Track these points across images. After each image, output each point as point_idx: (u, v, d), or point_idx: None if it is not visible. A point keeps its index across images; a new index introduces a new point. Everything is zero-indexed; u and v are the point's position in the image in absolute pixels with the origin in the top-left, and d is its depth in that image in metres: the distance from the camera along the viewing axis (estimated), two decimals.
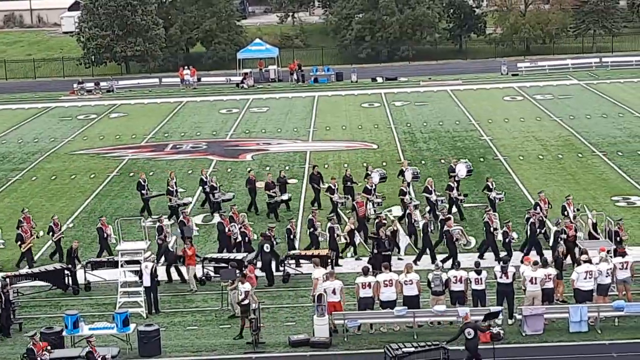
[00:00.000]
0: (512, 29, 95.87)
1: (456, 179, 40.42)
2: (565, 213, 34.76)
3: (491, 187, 39.17)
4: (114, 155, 55.30)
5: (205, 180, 42.64)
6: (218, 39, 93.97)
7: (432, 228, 35.93)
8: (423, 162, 50.30)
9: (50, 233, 36.61)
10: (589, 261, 29.23)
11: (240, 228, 35.21)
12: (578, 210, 35.22)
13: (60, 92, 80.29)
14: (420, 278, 29.04)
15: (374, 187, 39.96)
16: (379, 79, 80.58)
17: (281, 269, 33.53)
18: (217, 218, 38.58)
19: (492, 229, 33.86)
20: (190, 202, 41.93)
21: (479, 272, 28.77)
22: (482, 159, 50.17)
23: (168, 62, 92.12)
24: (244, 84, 79.91)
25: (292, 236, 35.10)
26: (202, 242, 37.59)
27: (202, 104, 72.36)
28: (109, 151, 56.60)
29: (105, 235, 35.92)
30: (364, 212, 37.31)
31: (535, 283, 28.39)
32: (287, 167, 50.16)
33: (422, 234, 35.14)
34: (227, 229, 35.39)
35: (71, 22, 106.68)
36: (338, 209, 39.32)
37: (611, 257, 29.98)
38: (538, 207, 35.39)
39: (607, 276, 28.88)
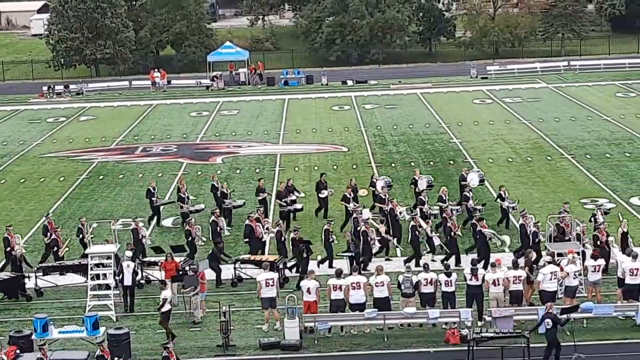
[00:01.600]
0: (481, 32, 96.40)
1: (467, 188, 39.09)
2: (595, 219, 34.24)
3: (504, 196, 38.04)
4: (83, 158, 55.06)
5: (217, 186, 41.64)
6: (188, 41, 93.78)
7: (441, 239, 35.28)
8: (393, 164, 50.44)
9: (80, 235, 36.17)
10: (554, 262, 29.46)
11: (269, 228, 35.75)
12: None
13: (29, 94, 79.86)
14: (390, 280, 29.11)
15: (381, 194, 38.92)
16: (349, 82, 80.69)
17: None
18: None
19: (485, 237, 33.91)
20: (203, 209, 40.66)
21: (448, 275, 28.89)
22: (451, 162, 50.38)
23: (138, 65, 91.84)
24: (214, 84, 79.86)
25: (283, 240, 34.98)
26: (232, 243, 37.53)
27: (173, 107, 72.19)
28: (78, 154, 56.37)
29: (140, 236, 35.65)
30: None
31: (498, 285, 28.56)
32: (257, 170, 50.17)
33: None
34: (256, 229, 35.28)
35: (40, 24, 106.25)
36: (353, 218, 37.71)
37: (579, 259, 30.17)
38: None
39: (574, 278, 29.08)
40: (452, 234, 34.24)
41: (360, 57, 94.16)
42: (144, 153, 56.18)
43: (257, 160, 53.07)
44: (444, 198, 37.53)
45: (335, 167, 50.54)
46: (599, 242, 32.21)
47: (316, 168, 50.24)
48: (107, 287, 30.70)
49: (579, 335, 27.78)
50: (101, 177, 50.25)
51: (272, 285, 29.28)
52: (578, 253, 30.57)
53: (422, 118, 63.21)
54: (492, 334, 26.65)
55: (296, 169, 50.45)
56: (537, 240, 32.98)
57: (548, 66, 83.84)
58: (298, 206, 40.33)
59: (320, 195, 40.78)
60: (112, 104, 74.35)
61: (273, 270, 30.21)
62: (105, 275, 31.20)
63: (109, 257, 31.40)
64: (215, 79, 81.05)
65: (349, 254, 33.15)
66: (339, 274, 29.12)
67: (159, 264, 32.92)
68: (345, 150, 54.77)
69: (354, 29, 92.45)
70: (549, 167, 48.65)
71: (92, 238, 35.16)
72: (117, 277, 31.13)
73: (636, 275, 28.86)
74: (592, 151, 51.44)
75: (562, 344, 26.70)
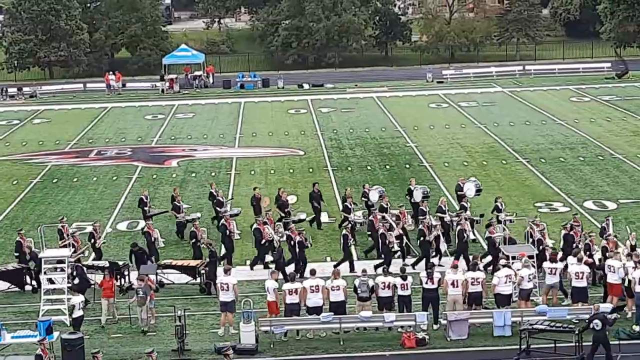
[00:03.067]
0: (437, 36, 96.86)
1: (465, 198, 38.41)
2: (604, 229, 33.98)
3: (500, 207, 37.13)
4: (36, 162, 54.51)
5: (214, 194, 40.66)
6: (143, 44, 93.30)
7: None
8: (349, 168, 50.46)
9: (92, 240, 35.78)
10: (509, 266, 29.60)
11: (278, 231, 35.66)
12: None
13: None
14: (347, 284, 29.09)
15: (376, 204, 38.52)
16: (306, 86, 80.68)
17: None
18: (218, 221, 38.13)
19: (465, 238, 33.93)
20: (199, 217, 39.45)
21: (404, 278, 28.91)
22: (407, 166, 50.49)
23: (92, 68, 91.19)
24: (162, 85, 79.59)
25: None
26: (128, 249, 37.25)
27: (127, 110, 71.75)
28: (31, 157, 55.80)
29: (152, 239, 35.43)
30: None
31: (457, 286, 28.65)
32: (213, 174, 49.98)
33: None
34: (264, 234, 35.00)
35: None
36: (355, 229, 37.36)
37: (533, 262, 30.31)
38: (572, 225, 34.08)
39: (529, 281, 29.21)
40: (464, 236, 34.12)
41: (316, 60, 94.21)
42: (98, 156, 55.73)
43: (213, 163, 52.85)
44: (443, 209, 36.81)
45: (291, 170, 50.46)
46: (607, 253, 31.29)
47: (272, 172, 50.16)
48: (61, 291, 30.33)
49: (533, 338, 27.93)
50: (55, 180, 49.79)
51: (226, 290, 29.12)
52: (531, 257, 30.72)
53: (379, 122, 63.33)
54: (544, 327, 26.89)
55: (252, 172, 50.32)
56: (541, 247, 32.64)
57: (503, 70, 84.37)
58: (302, 216, 39.16)
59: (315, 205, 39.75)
60: (66, 107, 73.76)
61: (227, 273, 29.99)
62: (59, 280, 30.90)
63: (62, 262, 31.07)
64: (164, 78, 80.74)
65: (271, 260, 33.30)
66: (292, 278, 29.03)
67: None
68: (301, 153, 54.70)
69: (311, 32, 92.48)
70: (504, 171, 48.91)
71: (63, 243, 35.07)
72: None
73: (582, 278, 29.08)
74: (547, 155, 51.79)
75: (518, 346, 26.91)
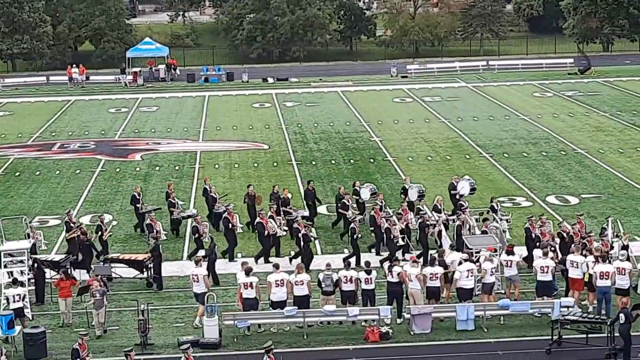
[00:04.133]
0: (401, 31, 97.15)
1: (457, 197, 38.08)
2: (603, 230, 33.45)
3: (496, 208, 36.40)
4: None
5: (208, 189, 39.77)
6: (107, 37, 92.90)
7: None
8: (314, 162, 50.48)
9: (99, 232, 35.15)
10: (471, 260, 29.75)
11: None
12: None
13: None
14: (310, 278, 29.10)
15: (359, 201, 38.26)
16: (270, 80, 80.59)
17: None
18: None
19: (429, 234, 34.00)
20: (195, 214, 38.37)
21: (368, 272, 28.97)
22: (372, 160, 50.57)
23: (56, 60, 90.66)
24: (123, 78, 79.25)
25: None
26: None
27: (91, 103, 71.33)
28: None
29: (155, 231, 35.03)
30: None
31: (413, 280, 28.74)
32: (176, 167, 49.84)
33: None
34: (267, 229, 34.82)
35: None
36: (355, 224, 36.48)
37: (497, 255, 30.49)
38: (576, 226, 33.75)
39: (491, 275, 29.36)
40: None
41: (281, 54, 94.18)
42: (61, 149, 55.37)
43: (177, 157, 52.68)
44: (439, 207, 36.18)
45: (255, 164, 50.41)
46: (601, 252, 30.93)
47: (236, 165, 50.09)
48: (22, 284, 30.08)
49: (496, 332, 28.13)
50: (17, 173, 49.42)
51: (197, 281, 29.22)
52: (495, 250, 30.90)
53: (343, 116, 63.39)
54: (576, 317, 27.08)
55: (216, 166, 50.21)
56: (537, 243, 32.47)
57: (467, 66, 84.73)
58: (305, 213, 38.32)
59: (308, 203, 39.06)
60: (29, 100, 73.21)
61: (198, 265, 29.91)
62: (20, 272, 30.69)
63: (22, 254, 30.89)
64: (125, 71, 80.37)
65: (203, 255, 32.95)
66: (248, 271, 28.95)
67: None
68: (265, 147, 54.65)
69: (275, 26, 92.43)
70: (467, 165, 49.11)
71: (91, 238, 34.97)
72: None
73: (547, 272, 29.26)
74: (510, 150, 52.05)
75: (481, 340, 27.09)
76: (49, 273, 32.23)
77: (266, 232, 34.82)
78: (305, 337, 28.22)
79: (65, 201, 43.82)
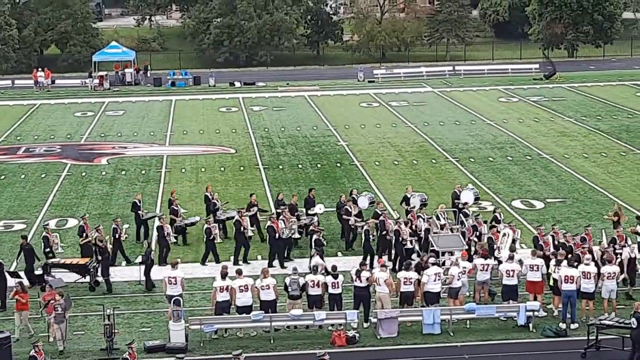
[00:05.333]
0: (368, 36, 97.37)
1: (460, 206, 37.26)
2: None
3: (499, 218, 35.35)
4: None
5: (210, 197, 39.14)
6: (73, 41, 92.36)
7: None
8: (281, 167, 50.48)
9: (116, 235, 35.01)
10: (438, 264, 29.88)
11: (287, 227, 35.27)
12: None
13: None
14: (277, 282, 29.11)
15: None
16: (237, 84, 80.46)
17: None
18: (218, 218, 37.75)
19: (400, 239, 33.91)
20: (199, 221, 38.47)
21: (335, 276, 29.01)
22: (338, 164, 50.66)
23: (21, 64, 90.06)
24: (90, 82, 78.82)
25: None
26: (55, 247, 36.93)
27: (57, 107, 70.93)
28: None
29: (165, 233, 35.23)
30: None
31: (381, 285, 28.81)
32: (143, 172, 49.68)
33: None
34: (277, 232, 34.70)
35: None
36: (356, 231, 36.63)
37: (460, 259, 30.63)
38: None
39: (458, 279, 29.48)
40: (468, 239, 33.76)
41: (248, 58, 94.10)
42: (26, 153, 55.03)
43: (143, 161, 52.50)
44: (441, 216, 35.76)
45: (222, 169, 50.35)
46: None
47: (203, 170, 50.00)
48: None
49: (462, 336, 28.26)
50: None
51: (174, 284, 29.26)
52: (468, 254, 31.17)
53: (310, 120, 63.45)
54: (612, 322, 27.00)
55: (183, 170, 50.10)
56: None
57: (433, 71, 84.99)
58: (307, 221, 37.46)
59: (310, 212, 38.10)
60: None
61: (175, 267, 29.86)
62: None
63: None
64: (92, 75, 79.99)
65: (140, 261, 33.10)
66: (224, 275, 28.96)
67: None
68: (232, 152, 54.59)
69: (242, 30, 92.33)
70: (433, 170, 49.29)
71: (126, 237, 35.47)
72: None
73: (512, 276, 29.44)
74: (476, 155, 52.31)
75: (447, 344, 27.20)
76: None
77: (277, 235, 34.72)
78: (272, 341, 28.21)
79: (31, 205, 43.58)
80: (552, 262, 29.91)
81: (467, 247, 32.65)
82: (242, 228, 35.27)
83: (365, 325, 28.99)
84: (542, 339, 27.97)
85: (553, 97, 71.08)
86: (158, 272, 32.40)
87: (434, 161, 51.11)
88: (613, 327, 27.23)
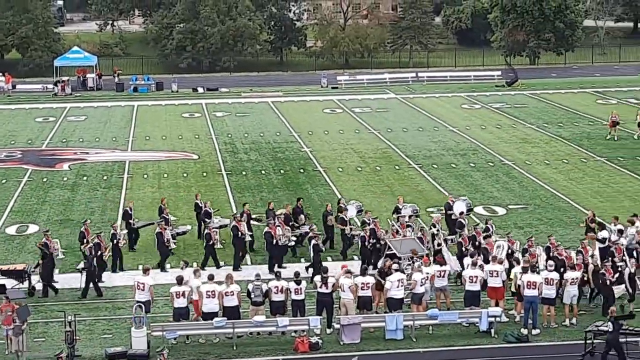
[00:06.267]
0: (331, 42, 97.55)
1: (453, 217, 37.22)
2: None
3: (491, 229, 34.84)
4: None
5: (200, 205, 38.56)
6: (34, 45, 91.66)
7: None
8: (244, 172, 50.37)
9: (115, 241, 34.75)
10: (401, 270, 29.93)
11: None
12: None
13: None
14: (240, 289, 29.01)
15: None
16: (200, 89, 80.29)
17: None
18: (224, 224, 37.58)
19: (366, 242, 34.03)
20: (190, 230, 38.21)
21: (298, 282, 28.97)
22: (302, 170, 50.63)
23: None
24: (57, 89, 78.23)
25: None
26: (17, 253, 36.61)
27: (17, 112, 70.36)
28: None
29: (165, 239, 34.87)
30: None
31: (345, 290, 28.83)
32: (105, 177, 49.38)
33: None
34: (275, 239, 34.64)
35: None
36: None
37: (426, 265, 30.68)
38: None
39: (421, 285, 29.53)
40: (465, 249, 33.40)
41: (211, 64, 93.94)
42: None
43: (105, 167, 52.19)
44: (437, 227, 35.44)
45: (185, 174, 50.16)
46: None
47: (165, 175, 49.79)
48: None
49: (425, 342, 28.30)
50: None
51: (142, 290, 29.17)
52: (421, 257, 31.19)
53: (273, 126, 63.40)
54: (607, 328, 26.81)
55: (145, 176, 49.86)
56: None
57: (396, 77, 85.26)
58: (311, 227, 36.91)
59: (299, 222, 37.55)
60: None
61: (146, 274, 29.79)
62: None
63: None
64: (58, 83, 79.39)
65: (82, 267, 32.79)
66: (179, 280, 28.82)
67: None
68: (195, 157, 54.41)
69: (205, 36, 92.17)
70: (397, 176, 49.39)
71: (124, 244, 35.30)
72: None
73: (475, 282, 29.54)
74: (439, 161, 52.48)
75: (410, 350, 27.23)
76: None
77: (274, 241, 34.60)
78: (234, 348, 28.12)
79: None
80: (517, 269, 30.03)
81: (427, 253, 32.69)
82: (239, 233, 35.15)
83: (328, 331, 28.97)
84: (504, 345, 28.07)
85: (515, 104, 71.48)
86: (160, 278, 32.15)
87: (397, 167, 51.21)
88: (609, 332, 27.18)
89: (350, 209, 37.79)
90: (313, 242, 33.71)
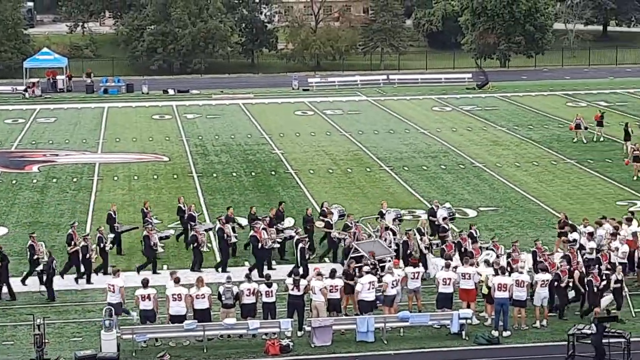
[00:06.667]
0: (303, 44, 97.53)
1: (437, 222, 36.94)
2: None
3: (475, 235, 34.65)
4: None
5: (183, 209, 38.12)
6: (4, 47, 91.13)
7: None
8: (215, 175, 50.22)
9: (101, 245, 34.51)
10: (372, 273, 29.92)
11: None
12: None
13: None
14: (211, 291, 28.89)
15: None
16: (171, 91, 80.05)
17: None
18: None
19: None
20: (173, 233, 37.99)
21: (269, 285, 28.89)
22: (273, 172, 50.55)
23: None
24: (26, 93, 77.73)
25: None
26: None
27: None
28: None
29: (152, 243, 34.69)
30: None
31: (316, 293, 28.79)
32: (74, 180, 49.10)
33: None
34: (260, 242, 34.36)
35: None
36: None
37: (401, 267, 30.67)
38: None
39: (392, 287, 29.53)
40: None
41: (182, 66, 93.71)
42: None
43: (75, 169, 51.89)
44: (423, 231, 35.27)
45: (155, 176, 49.96)
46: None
47: (136, 177, 49.57)
48: None
49: (396, 344, 28.29)
50: None
51: (112, 292, 29.05)
52: (390, 260, 31.24)
53: (244, 128, 63.28)
54: (592, 331, 26.73)
55: (115, 178, 49.61)
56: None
57: (368, 79, 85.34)
58: (292, 233, 36.51)
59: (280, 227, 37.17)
60: None
61: (116, 275, 29.56)
62: None
63: None
64: (29, 87, 78.84)
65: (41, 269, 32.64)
66: (145, 283, 28.68)
67: None
68: (166, 159, 54.21)
69: (176, 38, 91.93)
70: (368, 178, 49.41)
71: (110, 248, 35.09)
72: None
73: (448, 284, 29.57)
74: (410, 163, 52.54)
75: (381, 352, 27.22)
76: None
77: (260, 245, 34.42)
78: (205, 350, 27.99)
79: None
80: (488, 271, 30.04)
81: (394, 254, 32.71)
82: (225, 235, 35.04)
83: (299, 333, 28.90)
84: (475, 347, 28.11)
85: (486, 106, 71.73)
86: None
87: (368, 170, 51.23)
88: (592, 335, 27.21)
89: (335, 212, 37.79)
90: (300, 245, 33.62)
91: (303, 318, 29.04)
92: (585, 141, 57.11)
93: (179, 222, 38.84)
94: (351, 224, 35.63)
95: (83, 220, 41.15)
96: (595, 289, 29.64)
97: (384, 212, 37.96)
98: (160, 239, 36.74)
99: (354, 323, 28.63)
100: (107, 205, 41.78)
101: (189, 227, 37.01)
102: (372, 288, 29.19)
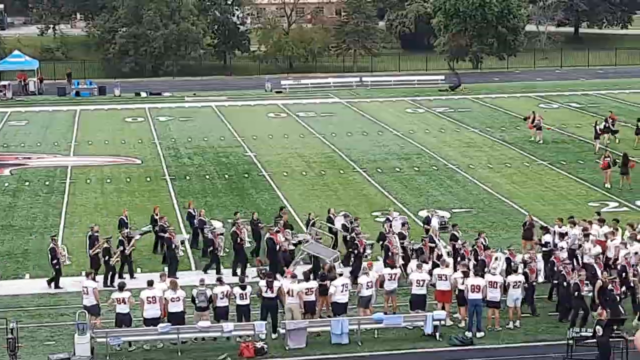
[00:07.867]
0: (275, 46, 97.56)
1: (431, 232, 35.80)
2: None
3: (457, 235, 34.68)
4: None
5: (193, 214, 37.77)
6: None
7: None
8: (187, 177, 50.10)
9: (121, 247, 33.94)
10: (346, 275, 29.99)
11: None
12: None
13: None
14: (185, 295, 28.82)
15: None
16: (143, 94, 79.86)
17: None
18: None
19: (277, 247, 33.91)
20: (187, 238, 37.59)
21: (243, 287, 28.86)
22: (246, 175, 50.49)
23: None
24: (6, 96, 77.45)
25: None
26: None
27: None
28: None
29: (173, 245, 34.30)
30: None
31: (293, 295, 28.79)
32: (47, 182, 48.85)
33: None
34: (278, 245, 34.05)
35: None
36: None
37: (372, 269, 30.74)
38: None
39: (367, 289, 29.55)
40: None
41: (154, 68, 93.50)
42: None
43: (47, 172, 51.63)
44: (405, 234, 34.86)
45: (128, 179, 49.79)
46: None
47: (109, 180, 49.37)
48: None
49: (370, 346, 28.32)
50: None
51: (86, 294, 28.99)
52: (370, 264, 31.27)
53: (217, 131, 63.17)
54: (590, 334, 26.75)
55: (88, 181, 49.40)
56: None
57: (341, 81, 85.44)
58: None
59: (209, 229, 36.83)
60: None
61: (89, 277, 29.50)
62: None
63: None
64: (0, 90, 78.37)
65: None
66: (121, 287, 28.60)
67: None
68: (138, 162, 54.04)
69: (148, 40, 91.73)
70: (341, 180, 49.44)
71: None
72: None
73: (422, 285, 29.63)
74: (383, 165, 52.61)
75: (355, 354, 27.26)
76: None
77: (278, 247, 34.19)
78: (179, 353, 27.93)
79: None
80: (457, 273, 30.11)
81: (337, 256, 33.15)
82: (238, 239, 34.83)
83: (273, 336, 28.87)
84: (449, 348, 28.18)
85: (458, 108, 71.96)
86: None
87: (341, 172, 51.26)
88: (592, 338, 27.23)
89: (337, 220, 37.24)
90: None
91: (277, 320, 29.02)
92: (542, 142, 57.41)
93: (189, 227, 38.35)
94: (349, 224, 35.96)
95: (56, 224, 40.96)
96: (618, 297, 29.04)
97: (390, 219, 36.81)
98: (140, 234, 36.60)
99: (329, 325, 28.65)
100: (80, 209, 41.58)
101: (198, 232, 36.85)
102: (346, 290, 29.22)
